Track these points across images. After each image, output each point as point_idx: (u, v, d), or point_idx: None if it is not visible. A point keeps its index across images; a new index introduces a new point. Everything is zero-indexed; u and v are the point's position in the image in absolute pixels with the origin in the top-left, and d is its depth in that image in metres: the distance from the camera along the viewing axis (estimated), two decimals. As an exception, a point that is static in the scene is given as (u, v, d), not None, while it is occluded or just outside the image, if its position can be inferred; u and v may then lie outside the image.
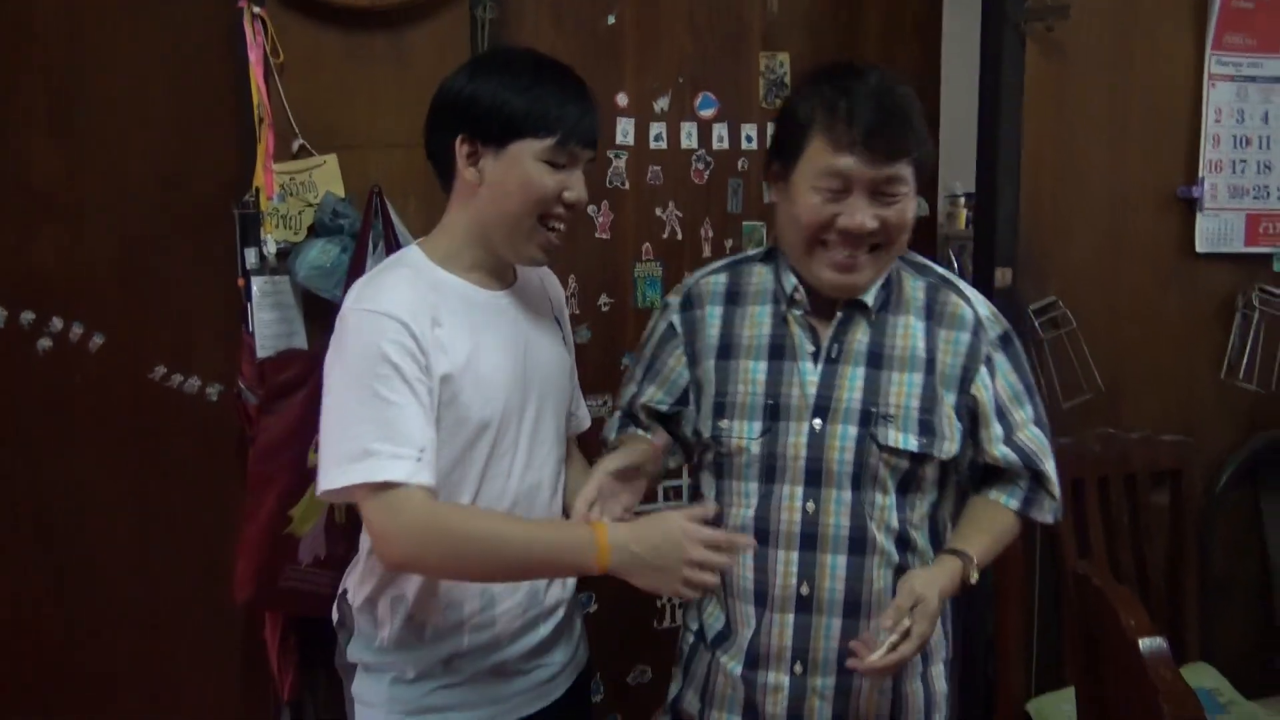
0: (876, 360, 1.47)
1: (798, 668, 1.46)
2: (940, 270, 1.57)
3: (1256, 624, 2.47)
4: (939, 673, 1.55)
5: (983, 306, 1.53)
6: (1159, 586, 2.35)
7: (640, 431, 1.60)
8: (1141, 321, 2.39)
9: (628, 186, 2.26)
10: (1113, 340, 2.37)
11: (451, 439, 1.39)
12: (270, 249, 1.97)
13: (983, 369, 1.49)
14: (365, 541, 1.49)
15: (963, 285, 1.55)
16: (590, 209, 2.24)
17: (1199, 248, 2.40)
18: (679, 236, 2.31)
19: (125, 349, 2.06)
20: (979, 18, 2.34)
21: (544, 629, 1.54)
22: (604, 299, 2.28)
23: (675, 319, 1.58)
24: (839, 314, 1.47)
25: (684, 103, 2.28)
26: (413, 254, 1.47)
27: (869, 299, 1.47)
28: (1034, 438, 1.52)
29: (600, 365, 2.25)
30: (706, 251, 2.33)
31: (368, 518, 1.34)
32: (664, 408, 1.59)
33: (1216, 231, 2.40)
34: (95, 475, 2.09)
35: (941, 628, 1.53)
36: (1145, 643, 1.25)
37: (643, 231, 2.29)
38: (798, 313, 1.49)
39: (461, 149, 1.41)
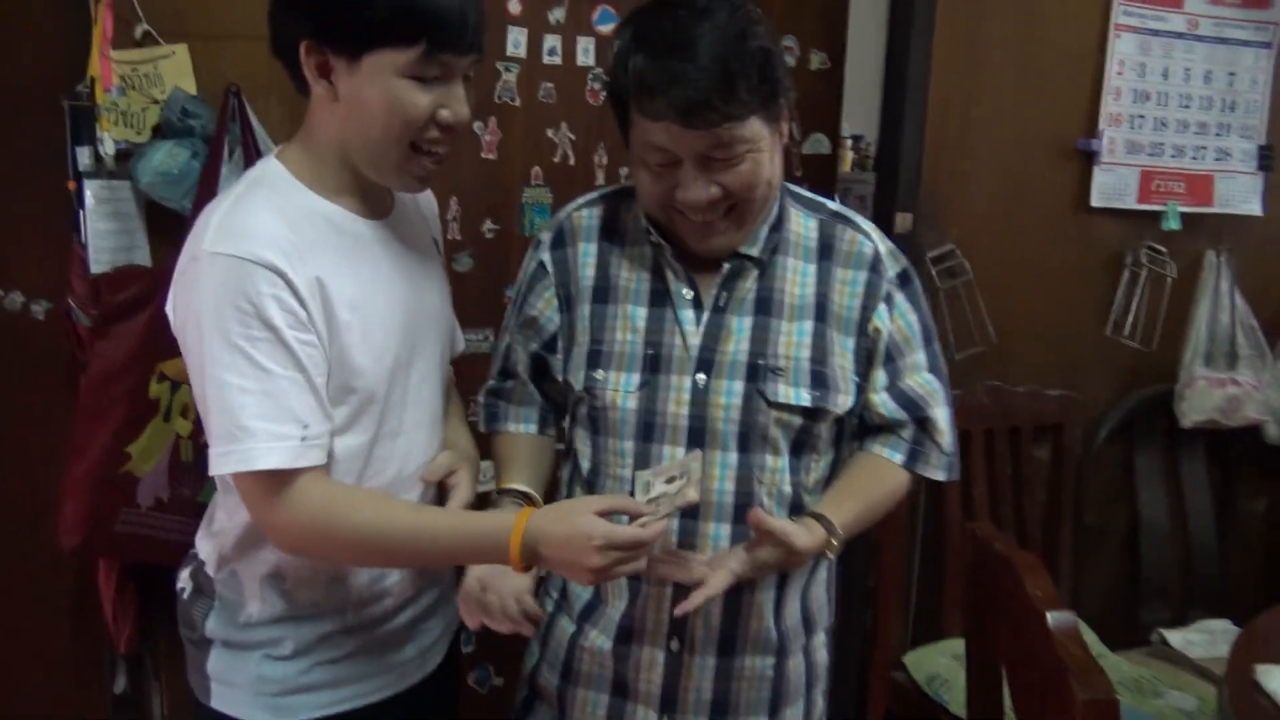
0: (765, 307, 1.34)
1: (674, 644, 1.34)
2: (834, 205, 1.43)
3: (1124, 578, 2.52)
4: (820, 643, 1.46)
5: (882, 242, 1.40)
6: (1036, 538, 2.36)
7: (514, 427, 1.45)
8: (1034, 274, 2.37)
9: (518, 103, 2.09)
10: (1005, 292, 2.34)
11: (341, 397, 1.21)
12: (108, 149, 1.74)
13: (881, 306, 1.36)
14: (225, 503, 1.29)
15: (859, 220, 1.41)
16: (476, 125, 2.05)
17: (1094, 202, 2.38)
18: (571, 161, 2.15)
19: (-68, 257, 1.80)
20: (891, -53, 2.24)
21: (428, 596, 1.40)
22: (488, 225, 2.11)
23: (545, 257, 1.41)
24: (726, 265, 1.33)
25: (581, 15, 2.11)
26: (273, 170, 1.22)
27: (755, 250, 1.33)
28: (924, 383, 1.39)
29: (483, 296, 2.09)
30: (600, 179, 2.18)
31: (249, 505, 1.18)
32: (534, 348, 1.42)
33: (1111, 186, 2.39)
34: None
35: (825, 593, 1.45)
36: (1054, 616, 1.19)
37: (532, 153, 2.13)
38: (669, 254, 1.33)
39: (309, 60, 1.15)
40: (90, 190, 1.74)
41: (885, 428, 1.40)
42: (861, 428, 1.43)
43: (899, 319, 1.37)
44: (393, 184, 1.26)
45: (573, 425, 1.43)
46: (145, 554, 1.76)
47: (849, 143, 5.12)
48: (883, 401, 1.38)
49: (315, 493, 1.15)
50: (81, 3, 1.69)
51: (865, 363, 1.37)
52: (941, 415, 1.40)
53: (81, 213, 1.74)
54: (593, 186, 2.18)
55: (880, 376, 1.37)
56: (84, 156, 1.73)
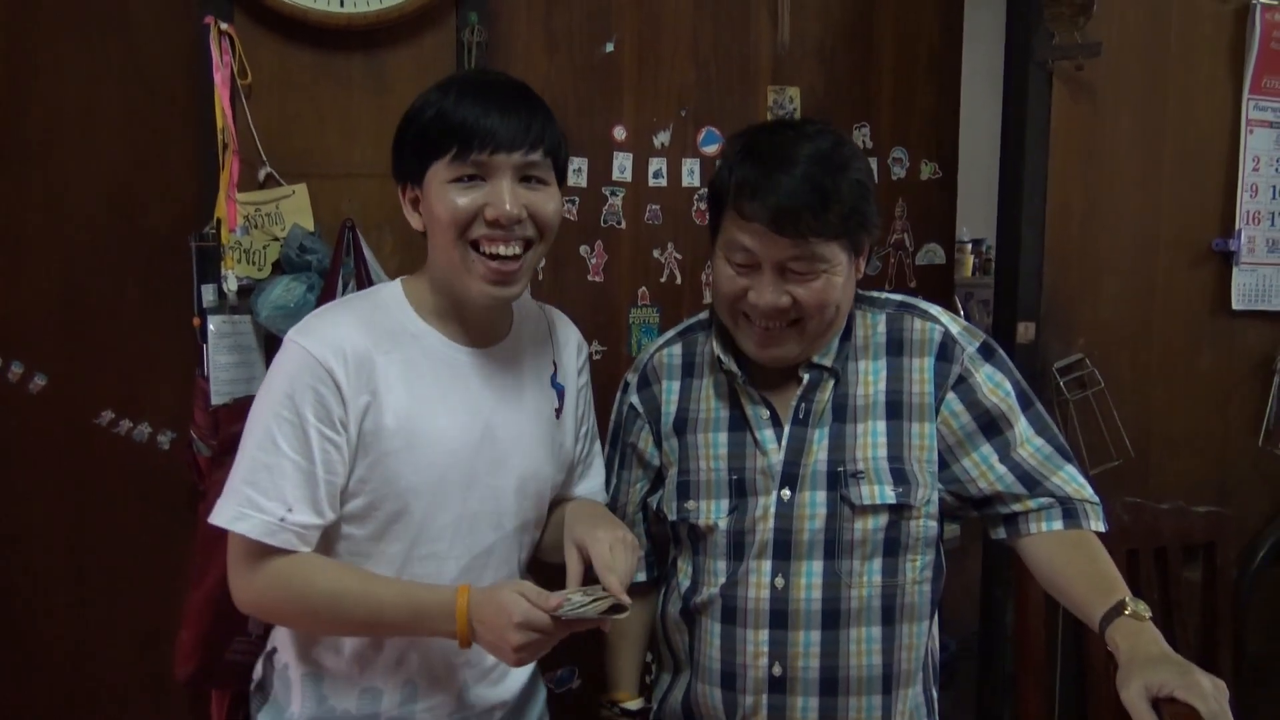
0: (840, 414, 1.37)
1: None
2: (898, 298, 1.46)
3: (1297, 714, 2.28)
4: None
5: (953, 324, 1.42)
6: (1191, 670, 2.16)
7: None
8: (1173, 383, 2.23)
9: (624, 226, 2.10)
10: (1142, 402, 2.20)
11: (374, 505, 1.26)
12: (231, 286, 1.80)
13: (951, 394, 1.37)
14: None
15: (926, 306, 1.44)
16: (583, 249, 2.07)
17: (1235, 304, 2.24)
18: (678, 281, 2.15)
19: (69, 391, 1.90)
20: (1001, 54, 2.20)
21: None
22: (596, 346, 2.11)
23: (634, 399, 1.51)
24: (805, 377, 1.37)
25: (686, 137, 2.13)
26: (390, 291, 1.35)
27: (827, 360, 1.37)
28: (1034, 452, 1.37)
29: (590, 418, 2.07)
30: (707, 297, 2.16)
31: (228, 562, 1.26)
32: (645, 489, 1.50)
33: (1254, 287, 2.24)
34: (31, 530, 1.91)
35: (923, 694, 1.40)
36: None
37: (639, 274, 2.13)
38: (740, 380, 1.40)
39: (404, 198, 1.33)
40: (213, 325, 1.81)
41: (1017, 500, 1.36)
42: (996, 513, 1.39)
43: (988, 395, 1.37)
44: (470, 291, 1.28)
45: (675, 544, 1.47)
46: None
47: (969, 247, 5.01)
48: (999, 476, 1.36)
49: (276, 564, 1.22)
50: (211, 151, 1.78)
51: (946, 448, 1.37)
52: (1067, 473, 1.37)
53: (204, 347, 1.81)
54: (700, 304, 2.16)
55: (989, 451, 1.36)
56: (208, 293, 1.81)
